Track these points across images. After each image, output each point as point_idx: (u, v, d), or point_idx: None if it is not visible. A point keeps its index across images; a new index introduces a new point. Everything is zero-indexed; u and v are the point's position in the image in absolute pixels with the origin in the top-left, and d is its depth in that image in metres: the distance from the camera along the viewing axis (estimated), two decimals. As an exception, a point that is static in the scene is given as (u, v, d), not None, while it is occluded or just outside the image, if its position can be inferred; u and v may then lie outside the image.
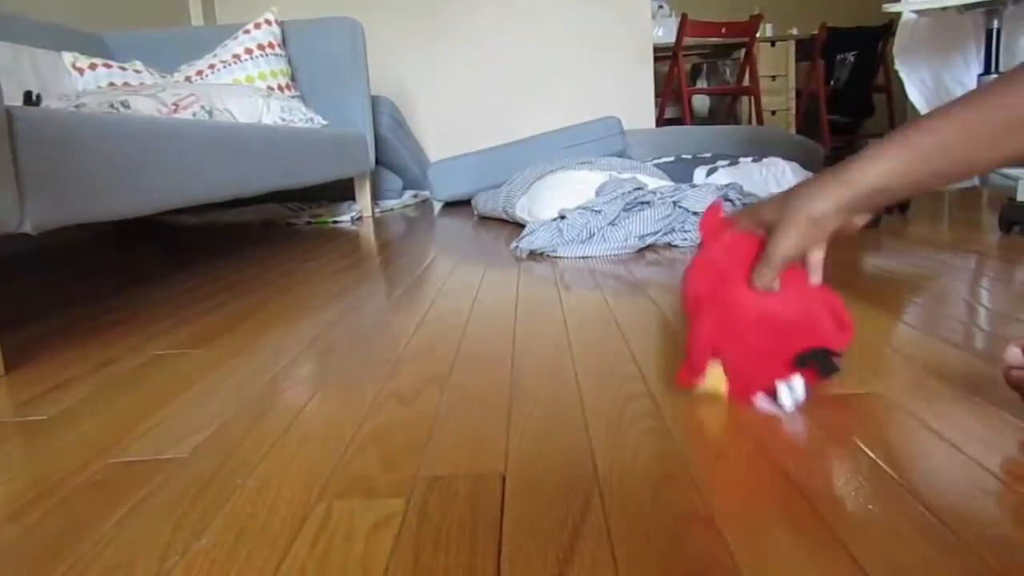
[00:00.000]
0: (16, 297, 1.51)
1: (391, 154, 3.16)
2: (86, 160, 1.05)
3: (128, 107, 1.83)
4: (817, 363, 0.67)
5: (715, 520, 0.49)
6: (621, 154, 2.79)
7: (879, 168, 0.62)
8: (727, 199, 1.77)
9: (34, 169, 0.94)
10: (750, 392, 0.68)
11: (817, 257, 0.67)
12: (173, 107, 1.94)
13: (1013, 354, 0.62)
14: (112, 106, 1.79)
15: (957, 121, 0.60)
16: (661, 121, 4.09)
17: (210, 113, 2.05)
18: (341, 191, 2.84)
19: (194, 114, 2.00)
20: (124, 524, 0.53)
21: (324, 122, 2.55)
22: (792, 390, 0.67)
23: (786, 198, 0.66)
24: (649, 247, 1.66)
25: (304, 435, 0.68)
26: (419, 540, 0.49)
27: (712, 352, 0.69)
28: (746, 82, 4.27)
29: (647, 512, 0.50)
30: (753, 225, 0.70)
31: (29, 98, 1.88)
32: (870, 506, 0.50)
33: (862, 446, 0.59)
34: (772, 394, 0.67)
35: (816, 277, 0.68)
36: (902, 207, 2.11)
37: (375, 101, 2.97)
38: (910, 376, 0.75)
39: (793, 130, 4.57)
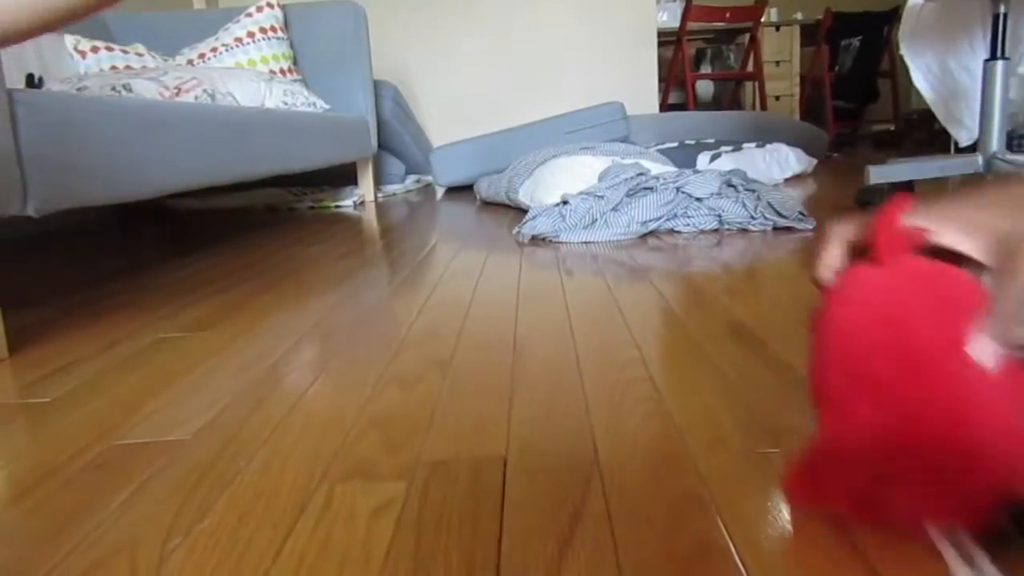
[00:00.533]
0: (20, 280, 1.51)
1: (394, 139, 3.15)
2: (88, 143, 1.05)
3: (130, 90, 1.82)
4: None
5: (715, 503, 0.49)
6: (624, 139, 2.78)
7: None
8: (730, 185, 1.77)
9: (36, 152, 0.94)
10: (890, 521, 0.43)
11: None
12: (175, 91, 1.94)
13: None
14: (114, 89, 1.78)
15: None
16: (665, 106, 4.07)
17: (212, 97, 2.05)
18: (343, 176, 2.83)
19: (196, 97, 1.99)
20: (127, 506, 0.53)
21: (326, 106, 2.54)
22: (975, 562, 0.39)
23: (990, 228, 0.41)
24: (652, 233, 1.66)
25: (306, 419, 0.69)
26: (420, 523, 0.49)
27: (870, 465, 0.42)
28: (750, 67, 4.25)
29: (647, 495, 0.51)
30: (959, 239, 0.43)
31: (31, 81, 1.88)
32: (870, 491, 0.50)
33: (862, 431, 0.59)
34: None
35: None
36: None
37: (378, 85, 2.96)
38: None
39: (797, 116, 4.55)
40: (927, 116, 3.62)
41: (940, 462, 0.39)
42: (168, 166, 1.30)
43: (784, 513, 0.47)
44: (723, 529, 0.46)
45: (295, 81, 2.56)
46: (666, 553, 0.44)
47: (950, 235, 0.43)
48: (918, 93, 2.93)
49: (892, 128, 4.56)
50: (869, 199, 1.84)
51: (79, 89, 1.77)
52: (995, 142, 1.85)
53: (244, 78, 2.23)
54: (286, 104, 2.33)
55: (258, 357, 0.89)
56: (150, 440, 0.66)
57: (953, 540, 0.40)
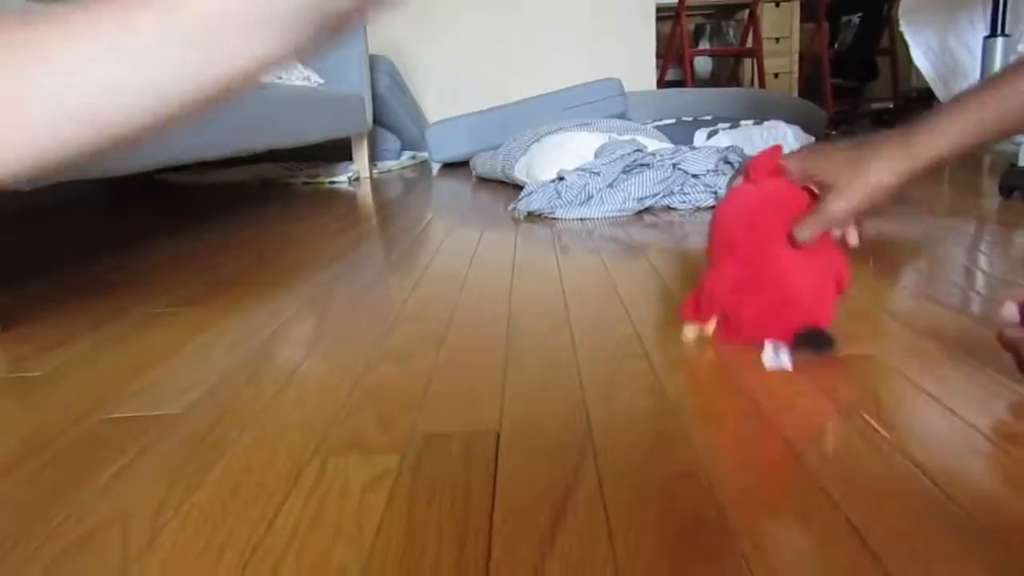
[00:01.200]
0: (11, 256, 1.50)
1: (389, 114, 3.13)
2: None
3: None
4: (812, 342, 0.67)
5: (708, 479, 0.49)
6: (621, 116, 2.77)
7: (946, 139, 0.64)
8: (727, 162, 1.76)
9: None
10: (739, 339, 0.71)
11: (860, 221, 0.71)
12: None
13: (1009, 311, 0.61)
14: (105, 62, 1.76)
15: (1014, 88, 0.62)
16: (662, 83, 4.04)
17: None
18: (338, 152, 2.81)
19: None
20: (119, 479, 0.53)
21: (321, 81, 2.52)
22: (777, 355, 0.68)
23: (851, 159, 0.66)
24: (647, 210, 1.66)
25: (300, 393, 0.68)
26: (413, 496, 0.49)
27: (725, 300, 0.71)
28: (749, 44, 4.22)
29: (641, 471, 0.51)
30: (806, 177, 0.70)
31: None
32: (862, 466, 0.50)
33: (856, 407, 0.59)
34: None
35: (854, 239, 0.72)
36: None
37: (373, 60, 2.93)
38: (905, 339, 0.75)
39: (796, 93, 4.53)
40: (927, 94, 3.60)
41: (768, 301, 0.68)
42: (161, 140, 1.29)
43: (774, 487, 0.47)
44: (715, 503, 0.46)
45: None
46: (659, 526, 0.44)
47: (796, 171, 0.70)
48: (918, 71, 2.92)
49: (891, 106, 4.53)
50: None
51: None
52: (993, 120, 1.83)
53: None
54: (280, 78, 2.30)
55: (251, 332, 0.88)
56: (141, 414, 0.65)
57: (774, 346, 0.67)
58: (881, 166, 0.65)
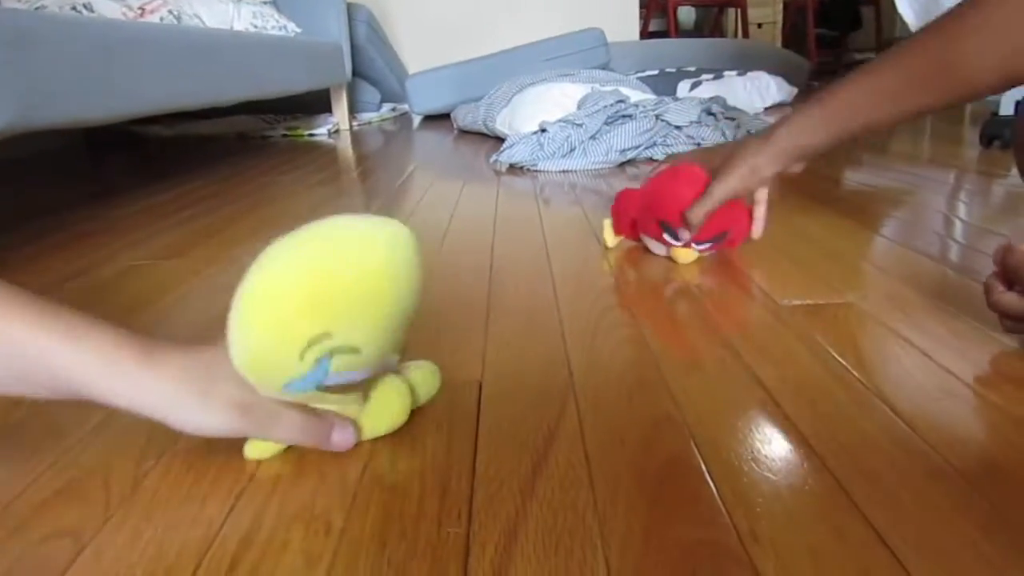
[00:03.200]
0: (-16, 208, 1.47)
1: (368, 65, 3.07)
2: (49, 63, 1.01)
3: (92, 10, 1.75)
4: (670, 231, 0.86)
5: (687, 424, 0.49)
6: (604, 67, 2.73)
7: (800, 129, 0.78)
8: (710, 113, 1.75)
9: (-7, 71, 0.90)
10: (635, 236, 0.93)
11: (763, 192, 0.86)
12: (139, 11, 1.87)
13: (1008, 300, 0.59)
14: (74, 8, 1.71)
15: (860, 85, 0.74)
16: (645, 33, 3.99)
17: (178, 18, 1.98)
18: (317, 104, 2.77)
19: (161, 19, 1.92)
20: (99, 430, 0.53)
21: (298, 30, 2.46)
22: (652, 244, 0.91)
23: (733, 149, 0.82)
24: (630, 161, 1.65)
25: (281, 344, 0.68)
26: (396, 444, 0.49)
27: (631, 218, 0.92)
28: (733, -7, 4.16)
29: (621, 416, 0.51)
30: (700, 162, 0.86)
31: (-14, 0, 1.80)
32: (839, 410, 0.51)
33: (833, 353, 0.60)
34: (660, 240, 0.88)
35: (761, 206, 0.87)
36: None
37: (351, 9, 2.87)
38: (884, 287, 0.76)
39: (779, 44, 4.49)
40: (909, 45, 3.58)
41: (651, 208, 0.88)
42: (133, 89, 1.26)
43: (752, 432, 0.48)
44: (694, 448, 0.46)
45: (265, 3, 2.47)
46: (638, 471, 0.44)
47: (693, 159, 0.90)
48: (902, 21, 2.89)
49: (874, 56, 4.52)
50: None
51: (37, 8, 1.70)
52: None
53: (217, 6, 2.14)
54: (255, 27, 2.25)
55: (232, 283, 0.87)
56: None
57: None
58: (755, 150, 0.79)
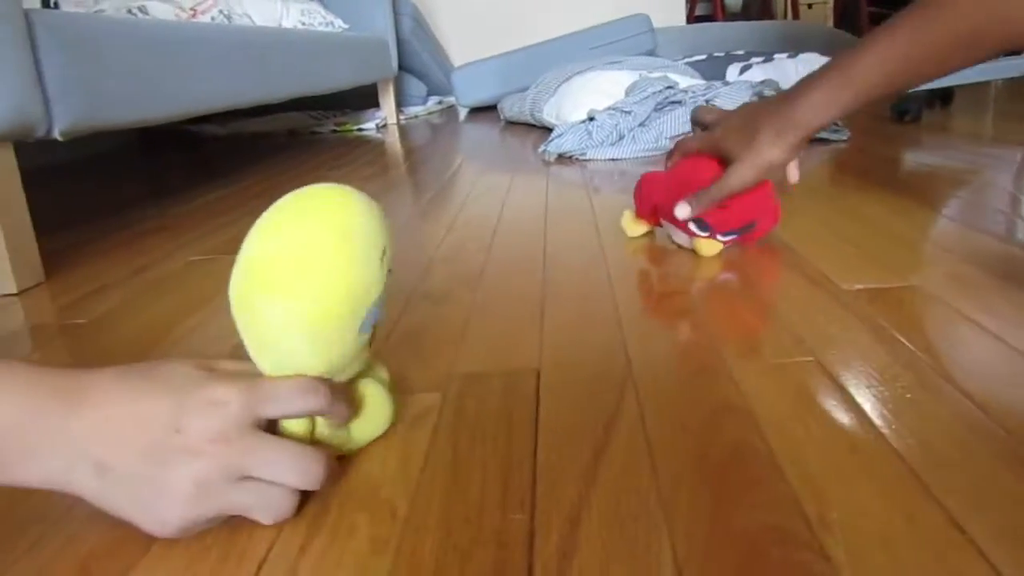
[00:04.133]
0: (51, 206, 1.52)
1: (413, 58, 3.09)
2: (108, 65, 1.04)
3: (146, 12, 1.79)
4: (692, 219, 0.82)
5: (751, 410, 0.49)
6: (651, 53, 2.70)
7: (823, 106, 0.71)
8: (761, 97, 1.72)
9: (57, 74, 0.93)
10: (656, 222, 0.92)
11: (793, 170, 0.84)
12: (191, 12, 1.90)
13: None
14: (130, 11, 1.75)
15: (895, 49, 0.66)
16: (692, 18, 3.94)
17: (228, 17, 2.01)
18: (364, 98, 2.79)
19: (212, 18, 1.96)
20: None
21: (344, 26, 2.49)
22: (674, 233, 0.87)
23: (749, 136, 0.75)
24: (680, 148, 1.63)
25: (339, 335, 0.69)
26: (456, 433, 0.49)
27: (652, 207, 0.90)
28: (782, -26, 4.08)
29: (682, 403, 0.51)
30: (713, 151, 0.81)
31: (47, 3, 1.85)
32: (908, 395, 0.49)
33: (900, 337, 0.58)
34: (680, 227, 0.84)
35: (795, 177, 0.85)
36: (944, 100, 2.03)
37: (396, 3, 2.88)
38: (949, 268, 0.74)
39: (831, 24, 4.38)
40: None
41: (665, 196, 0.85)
42: (189, 88, 1.29)
43: (818, 418, 0.47)
44: (758, 434, 0.46)
45: (312, 0, 2.50)
46: (702, 457, 0.44)
47: (706, 147, 0.83)
48: (959, -4, 2.80)
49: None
50: (906, 108, 1.78)
51: (95, 12, 1.75)
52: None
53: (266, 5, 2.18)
54: (303, 24, 2.28)
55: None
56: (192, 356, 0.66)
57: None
58: (775, 142, 0.74)
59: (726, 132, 0.79)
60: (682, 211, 0.79)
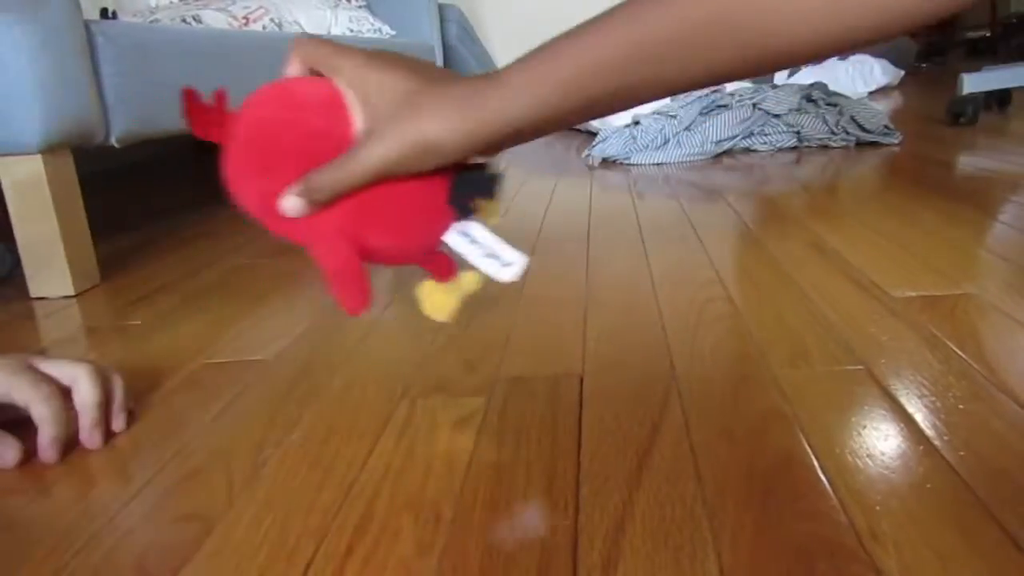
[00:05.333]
0: (105, 211, 1.57)
1: (460, 64, 3.11)
2: (163, 73, 1.07)
3: (200, 21, 1.84)
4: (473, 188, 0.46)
5: (797, 418, 0.48)
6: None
7: (525, 101, 0.43)
8: (810, 99, 1.69)
9: (115, 82, 0.96)
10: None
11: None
12: (244, 20, 1.94)
13: None
14: (184, 20, 1.80)
15: (619, 38, 0.43)
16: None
17: (279, 25, 2.05)
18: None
19: (264, 27, 2.00)
20: (220, 419, 0.56)
21: (392, 32, 2.51)
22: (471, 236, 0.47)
23: (405, 95, 0.42)
24: (727, 152, 1.61)
25: (384, 339, 0.70)
26: (500, 436, 0.50)
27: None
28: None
29: (727, 410, 0.50)
30: (327, 89, 0.45)
31: (105, 14, 1.91)
32: (961, 406, 0.48)
33: (953, 346, 0.57)
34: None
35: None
36: (1001, 103, 1.98)
37: (442, 10, 2.91)
38: (1005, 276, 0.72)
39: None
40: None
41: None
42: (241, 95, 1.32)
43: (867, 428, 0.46)
44: (805, 443, 0.45)
45: (360, 7, 2.53)
46: (747, 465, 0.43)
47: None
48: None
49: (988, 34, 4.26)
50: (962, 110, 1.74)
51: (151, 21, 1.79)
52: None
53: (310, 6, 2.21)
54: (352, 31, 2.31)
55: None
56: (237, 359, 0.68)
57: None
58: (435, 115, 0.42)
59: (363, 74, 0.44)
60: (292, 204, 0.43)
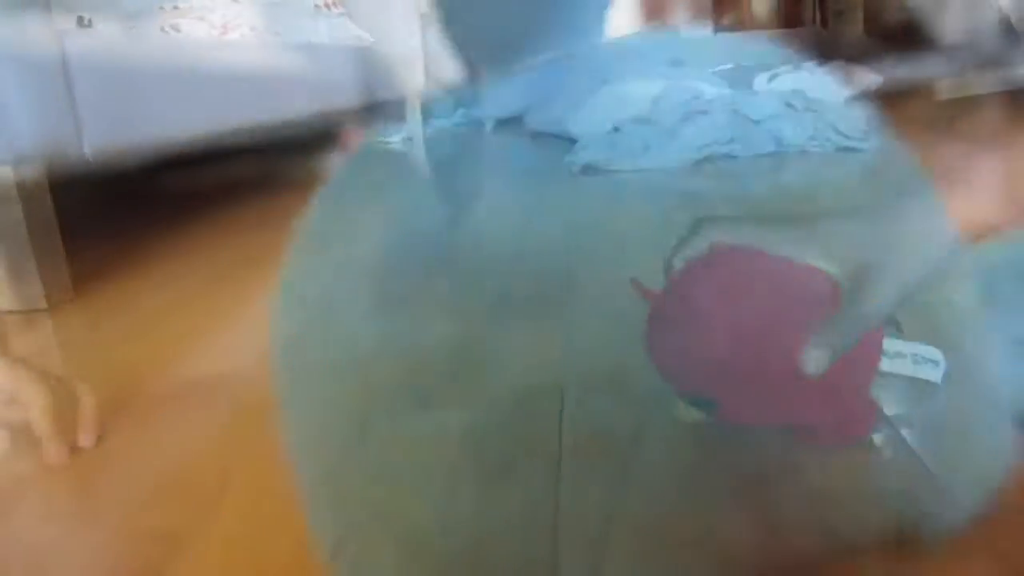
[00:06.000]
0: (76, 226, 1.55)
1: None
2: (139, 84, 1.06)
3: (179, 30, 1.82)
4: None
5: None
6: (677, 63, 2.69)
7: None
8: (789, 105, 1.70)
9: (89, 92, 0.95)
10: None
11: None
12: (222, 28, 1.93)
13: None
14: (163, 30, 1.78)
15: None
16: (718, 27, 3.91)
17: (258, 33, 2.04)
18: (391, 111, 2.81)
19: (242, 35, 1.98)
20: (193, 433, 0.55)
21: (372, 40, 2.51)
22: None
23: None
24: (708, 159, 1.61)
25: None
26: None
27: None
28: (810, -18, 4.04)
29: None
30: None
31: (81, 22, 1.89)
32: None
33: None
34: None
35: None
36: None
37: (424, 18, 2.90)
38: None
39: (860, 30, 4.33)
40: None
41: None
42: (218, 105, 1.31)
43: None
44: None
45: (340, 15, 2.52)
46: None
47: None
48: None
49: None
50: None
51: (129, 29, 1.78)
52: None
53: (289, 14, 2.21)
54: (332, 40, 2.30)
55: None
56: (211, 372, 0.67)
57: None
58: None
59: None
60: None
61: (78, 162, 1.01)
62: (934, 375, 0.39)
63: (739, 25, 4.02)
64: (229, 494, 0.46)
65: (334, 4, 2.57)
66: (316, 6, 2.50)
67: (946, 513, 0.37)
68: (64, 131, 0.91)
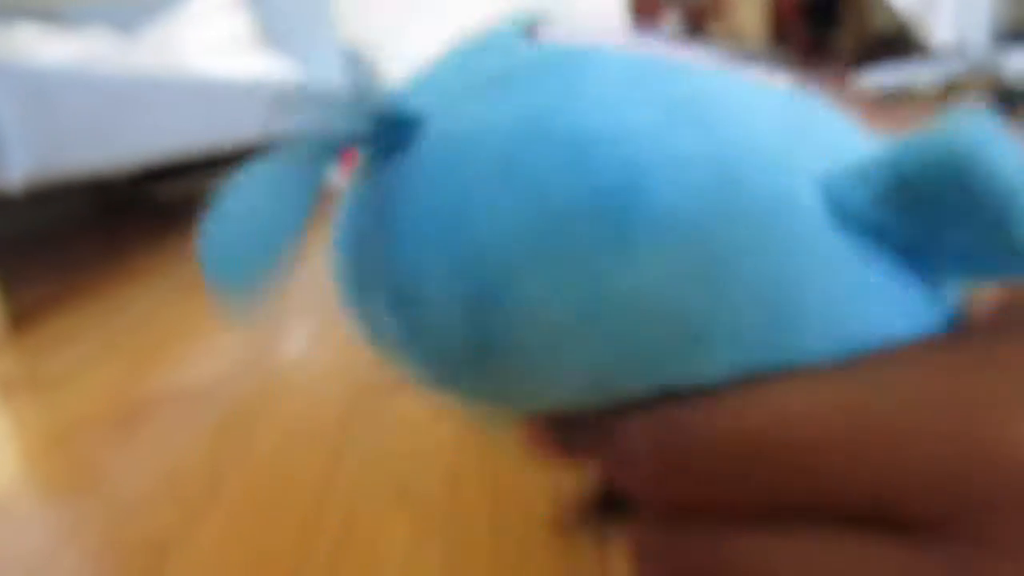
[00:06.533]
0: (16, 266, 1.50)
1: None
2: (66, 112, 1.04)
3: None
4: None
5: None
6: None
7: None
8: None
9: (14, 120, 0.93)
10: None
11: None
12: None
13: None
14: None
15: None
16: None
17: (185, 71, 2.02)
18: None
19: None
20: (147, 460, 0.54)
21: (301, 78, 2.51)
22: None
23: None
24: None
25: (311, 371, 0.69)
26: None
27: None
28: None
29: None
30: None
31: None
32: None
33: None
34: None
35: None
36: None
37: (348, 56, 2.92)
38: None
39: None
40: (893, 39, 3.60)
41: None
42: (145, 135, 1.29)
43: None
44: None
45: (263, 55, 2.52)
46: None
47: None
48: (885, 16, 2.87)
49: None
50: None
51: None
52: None
53: (214, 51, 2.20)
54: (258, 79, 2.30)
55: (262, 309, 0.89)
56: (162, 397, 0.66)
57: None
58: None
59: None
60: None
61: (7, 209, 0.98)
62: None
63: (728, 35, 4.12)
64: (218, 501, 0.45)
65: (255, 43, 2.57)
66: (239, 45, 2.50)
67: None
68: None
